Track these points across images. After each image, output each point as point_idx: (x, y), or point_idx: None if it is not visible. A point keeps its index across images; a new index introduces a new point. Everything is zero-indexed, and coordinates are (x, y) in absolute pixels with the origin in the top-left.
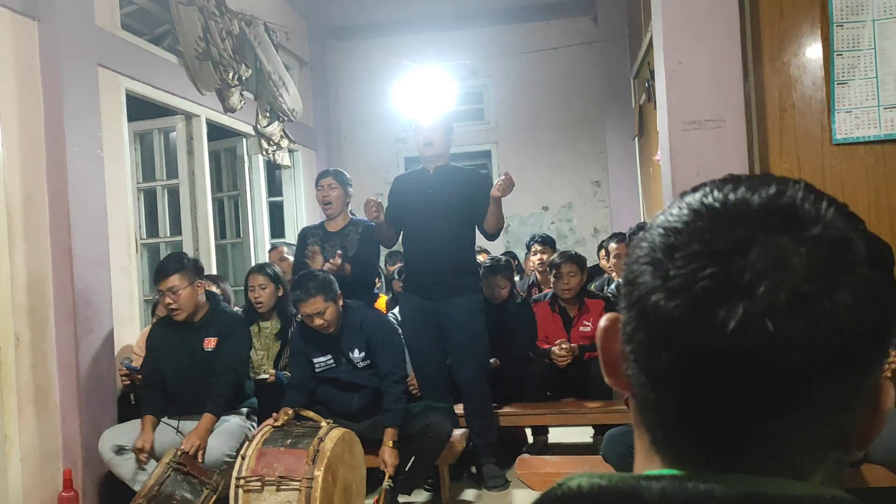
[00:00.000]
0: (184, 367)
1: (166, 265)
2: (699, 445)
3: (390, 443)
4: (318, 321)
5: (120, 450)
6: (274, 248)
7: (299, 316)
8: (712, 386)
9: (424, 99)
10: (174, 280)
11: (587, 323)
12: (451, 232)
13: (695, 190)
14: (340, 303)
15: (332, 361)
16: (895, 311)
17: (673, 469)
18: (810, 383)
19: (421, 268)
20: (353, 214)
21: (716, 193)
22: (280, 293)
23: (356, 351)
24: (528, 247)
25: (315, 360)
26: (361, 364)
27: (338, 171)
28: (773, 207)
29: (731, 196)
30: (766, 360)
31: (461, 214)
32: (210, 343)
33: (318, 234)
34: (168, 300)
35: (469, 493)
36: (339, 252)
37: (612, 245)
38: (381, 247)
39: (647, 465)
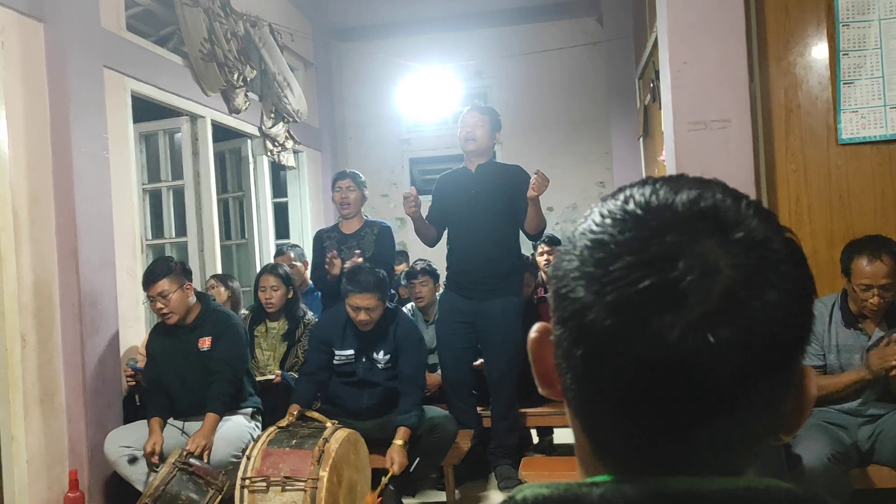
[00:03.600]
0: (182, 371)
1: (154, 270)
2: (640, 450)
3: (401, 441)
4: (363, 316)
5: (133, 459)
6: (281, 252)
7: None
8: (654, 395)
9: (429, 100)
10: (163, 284)
11: None
12: (493, 231)
13: (614, 196)
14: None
15: (353, 356)
16: (812, 301)
17: (614, 474)
18: (748, 382)
19: (463, 267)
20: (366, 216)
21: (637, 198)
22: (290, 295)
23: (382, 353)
24: (535, 247)
25: (336, 352)
26: (383, 365)
27: (355, 173)
28: (697, 211)
29: (654, 200)
30: (706, 366)
31: (504, 214)
32: (205, 343)
33: (334, 237)
34: (159, 305)
35: (473, 494)
36: (358, 251)
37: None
38: (425, 245)
39: (590, 470)
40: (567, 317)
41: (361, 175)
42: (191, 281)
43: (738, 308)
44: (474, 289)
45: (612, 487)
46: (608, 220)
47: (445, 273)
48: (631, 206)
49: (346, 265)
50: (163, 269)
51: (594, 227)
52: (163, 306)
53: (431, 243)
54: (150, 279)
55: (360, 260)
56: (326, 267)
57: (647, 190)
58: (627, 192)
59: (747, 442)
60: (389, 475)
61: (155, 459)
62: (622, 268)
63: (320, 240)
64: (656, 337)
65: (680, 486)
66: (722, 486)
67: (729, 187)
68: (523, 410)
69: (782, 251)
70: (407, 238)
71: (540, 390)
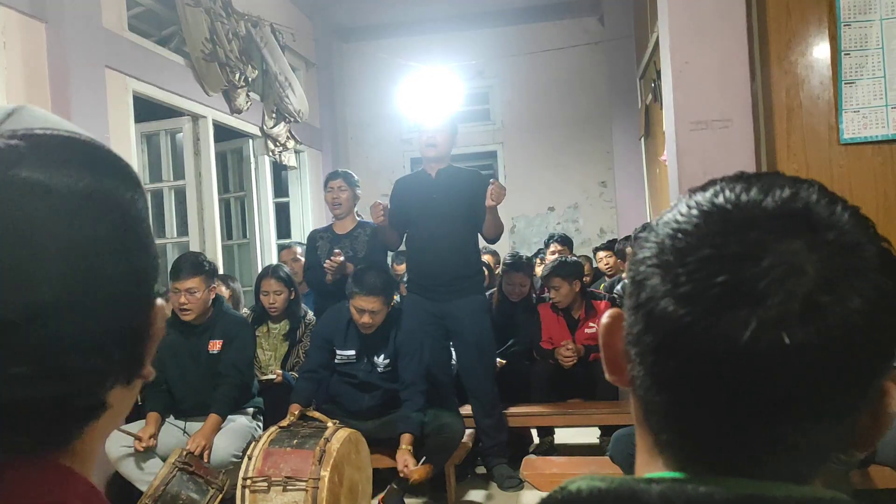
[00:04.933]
0: (189, 371)
1: (186, 265)
2: (703, 449)
3: (404, 446)
4: (366, 319)
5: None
6: (287, 247)
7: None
8: (721, 392)
9: (430, 100)
10: (194, 282)
11: (592, 324)
12: (454, 235)
13: (704, 188)
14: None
15: (354, 357)
16: None
17: (674, 471)
18: (820, 390)
19: (425, 271)
20: (359, 216)
21: (727, 193)
22: (292, 296)
23: (382, 356)
24: (547, 244)
25: (338, 351)
26: (382, 369)
27: (347, 173)
28: (787, 210)
29: (744, 197)
30: (777, 369)
31: (464, 218)
32: (215, 346)
33: (327, 237)
34: (182, 300)
35: (474, 494)
36: (338, 251)
37: (601, 254)
38: (387, 249)
39: (649, 465)
40: (640, 304)
41: (354, 175)
42: (215, 283)
43: (818, 312)
44: (438, 290)
45: (673, 486)
46: (694, 212)
47: (406, 276)
48: (720, 199)
49: (326, 262)
50: (197, 266)
51: (679, 218)
52: (186, 302)
53: (394, 247)
54: (182, 273)
55: (342, 258)
56: (326, 268)
57: (739, 186)
58: (718, 186)
59: (814, 451)
60: (418, 476)
61: (138, 445)
62: (700, 260)
63: (314, 240)
64: (728, 333)
65: (743, 489)
66: (786, 493)
67: (826, 189)
68: (525, 412)
69: (874, 259)
70: None
71: (607, 376)
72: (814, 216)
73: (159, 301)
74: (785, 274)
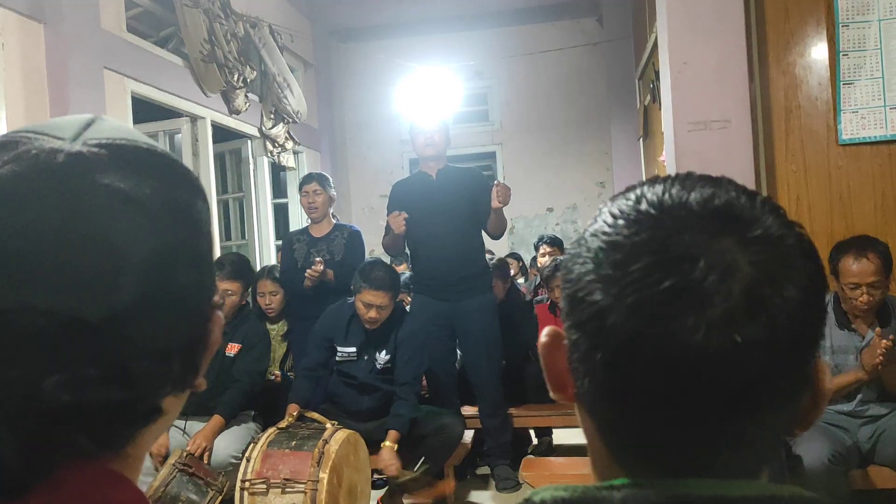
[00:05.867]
0: None
1: (230, 266)
2: (661, 453)
3: (389, 443)
4: (373, 314)
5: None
6: None
7: (351, 300)
8: (677, 396)
9: (429, 100)
10: (234, 285)
11: None
12: (460, 234)
13: (624, 195)
14: None
15: (354, 354)
16: (824, 294)
17: (634, 477)
18: (772, 381)
19: (433, 271)
20: (335, 219)
21: (650, 197)
22: (288, 296)
23: (383, 352)
24: (537, 247)
25: (339, 348)
26: (381, 366)
27: (321, 175)
28: (712, 209)
29: (667, 199)
30: (730, 366)
31: (469, 216)
32: (232, 349)
33: (304, 240)
34: (216, 299)
35: (474, 494)
36: (319, 259)
37: None
38: (390, 255)
39: (608, 474)
40: (584, 320)
41: (329, 177)
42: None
43: (760, 306)
44: (448, 290)
45: (634, 491)
46: (621, 221)
47: (412, 277)
48: (644, 205)
49: (307, 271)
50: (241, 271)
51: (606, 229)
52: (219, 300)
53: (399, 253)
54: (223, 272)
55: (322, 267)
56: (307, 276)
57: (659, 189)
58: (638, 192)
59: (766, 441)
60: (421, 464)
61: (163, 452)
62: (642, 269)
63: (290, 242)
64: (680, 338)
65: (703, 490)
66: (744, 492)
67: (740, 185)
68: (523, 412)
69: (797, 247)
70: None
71: (552, 394)
72: (738, 213)
73: (218, 312)
74: (723, 273)
